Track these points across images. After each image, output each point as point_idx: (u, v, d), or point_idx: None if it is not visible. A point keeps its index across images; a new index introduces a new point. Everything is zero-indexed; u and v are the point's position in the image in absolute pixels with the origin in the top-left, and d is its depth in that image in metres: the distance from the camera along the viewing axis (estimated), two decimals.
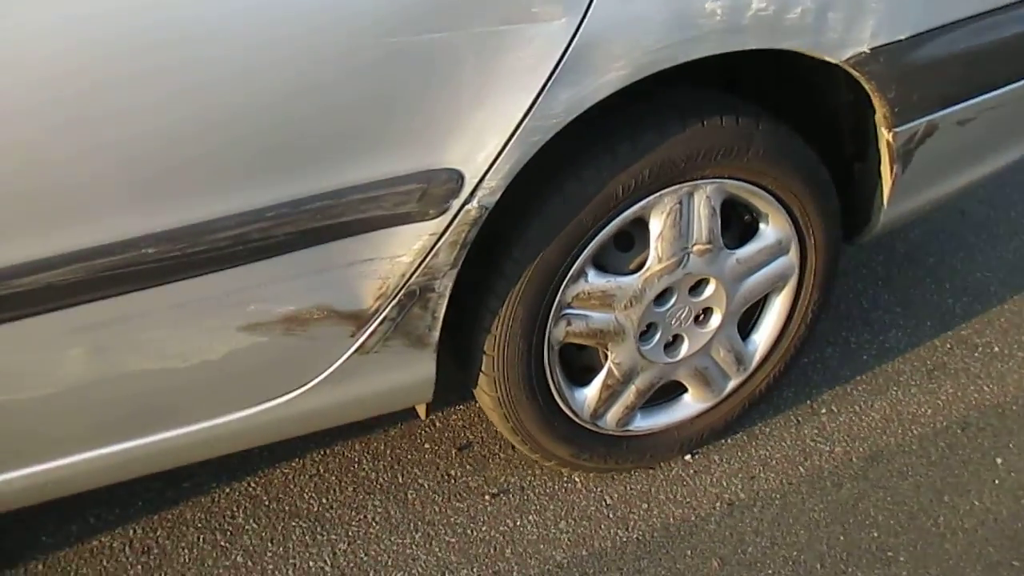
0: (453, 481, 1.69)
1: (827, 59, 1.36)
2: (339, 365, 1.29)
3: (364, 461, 1.73)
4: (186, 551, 1.56)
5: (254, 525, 1.61)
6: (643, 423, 1.64)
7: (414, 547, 1.57)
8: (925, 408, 1.85)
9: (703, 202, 1.43)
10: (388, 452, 1.75)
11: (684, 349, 1.58)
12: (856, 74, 1.40)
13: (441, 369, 1.41)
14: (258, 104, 1.05)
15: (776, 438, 1.78)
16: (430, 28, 1.09)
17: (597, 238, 1.37)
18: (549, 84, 1.18)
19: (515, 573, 1.54)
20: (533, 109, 1.18)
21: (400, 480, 1.69)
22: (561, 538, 1.59)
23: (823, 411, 1.85)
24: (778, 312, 1.65)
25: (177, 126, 1.02)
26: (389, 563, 1.55)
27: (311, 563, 1.55)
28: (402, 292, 1.25)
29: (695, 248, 1.46)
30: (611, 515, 1.63)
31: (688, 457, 1.74)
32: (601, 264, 1.44)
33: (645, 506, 1.65)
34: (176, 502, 1.64)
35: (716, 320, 1.57)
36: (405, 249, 1.22)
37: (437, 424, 1.79)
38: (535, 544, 1.58)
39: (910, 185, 1.61)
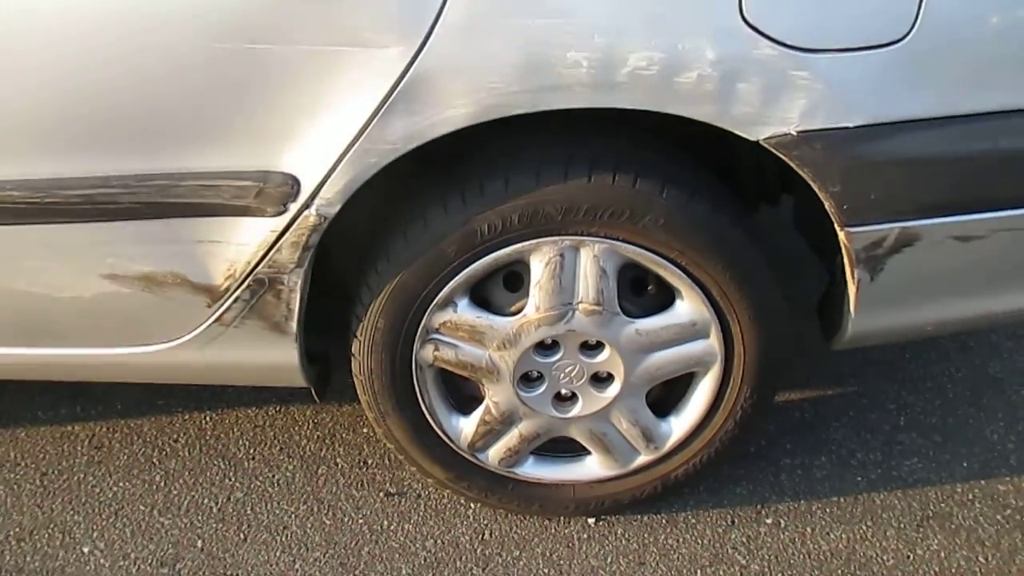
0: (364, 469, 1.75)
1: (740, 135, 1.21)
2: (202, 330, 1.40)
3: (304, 428, 1.84)
4: (125, 456, 1.78)
5: (185, 453, 1.78)
6: (533, 470, 1.57)
7: (293, 517, 1.65)
8: (889, 557, 1.58)
9: (590, 260, 1.34)
10: (328, 425, 1.84)
11: (577, 408, 1.49)
12: (783, 158, 1.22)
13: None
14: (95, 85, 1.18)
15: (696, 532, 1.62)
16: (261, 39, 1.15)
17: (467, 271, 1.35)
18: (383, 110, 1.18)
19: (358, 571, 1.57)
20: (366, 132, 1.20)
21: (322, 454, 1.78)
22: (419, 555, 1.59)
23: (768, 520, 1.64)
24: (702, 399, 1.50)
25: (22, 95, 1.19)
26: (263, 523, 1.64)
27: (206, 500, 1.69)
28: (250, 278, 1.33)
29: (581, 306, 1.37)
30: (478, 551, 1.59)
31: (592, 520, 1.65)
32: (485, 298, 1.42)
33: (516, 553, 1.59)
34: (141, 415, 1.86)
35: (615, 388, 1.46)
36: (248, 239, 1.29)
37: None
38: (392, 552, 1.60)
39: (888, 298, 1.38)
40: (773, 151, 1.22)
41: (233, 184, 1.25)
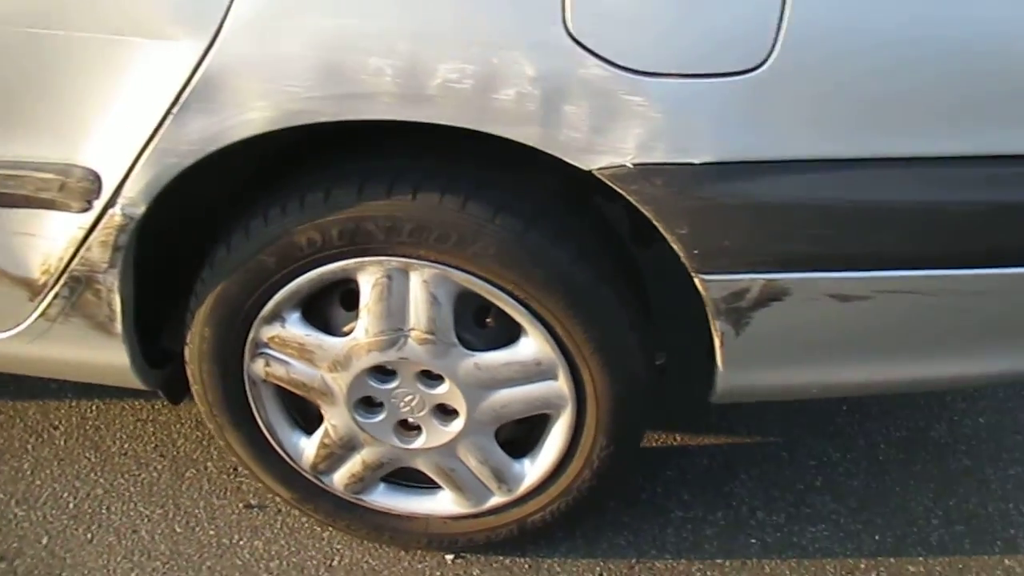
0: (232, 477, 1.67)
1: (570, 163, 1.08)
2: (29, 324, 1.33)
3: (184, 427, 1.77)
4: (2, 440, 1.75)
5: (61, 442, 1.73)
6: (384, 499, 1.47)
7: (146, 521, 1.58)
8: None
9: (420, 286, 1.22)
10: (209, 429, 1.78)
11: (421, 440, 1.38)
12: (622, 193, 1.09)
13: None
14: None
15: None
16: (43, 24, 1.07)
17: (292, 285, 1.24)
18: (175, 109, 1.09)
19: None
20: (161, 130, 1.11)
21: (194, 457, 1.71)
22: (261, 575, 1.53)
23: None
24: (555, 445, 1.36)
25: None
26: (113, 525, 1.58)
27: (65, 494, 1.64)
28: (66, 275, 1.25)
29: (413, 333, 1.26)
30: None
31: (449, 557, 1.54)
32: (324, 314, 1.32)
33: None
34: (31, 398, 1.80)
35: (459, 423, 1.34)
36: (58, 235, 1.22)
37: None
38: (234, 569, 1.52)
39: (759, 355, 1.23)
40: (610, 185, 1.09)
41: (37, 176, 1.17)
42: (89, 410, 1.81)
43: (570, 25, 1.01)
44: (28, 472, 1.69)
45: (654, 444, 1.77)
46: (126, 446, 1.74)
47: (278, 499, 1.55)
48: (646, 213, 1.10)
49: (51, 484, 1.66)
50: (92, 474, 1.68)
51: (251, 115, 1.08)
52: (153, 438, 1.75)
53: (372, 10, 1.03)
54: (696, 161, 1.06)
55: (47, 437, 1.75)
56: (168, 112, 1.09)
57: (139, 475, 1.69)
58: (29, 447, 1.73)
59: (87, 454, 1.72)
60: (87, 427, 1.77)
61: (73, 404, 1.82)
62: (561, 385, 1.29)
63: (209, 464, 1.70)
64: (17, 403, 1.82)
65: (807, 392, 1.33)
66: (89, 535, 1.58)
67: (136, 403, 1.82)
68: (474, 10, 1.02)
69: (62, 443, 1.74)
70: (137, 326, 1.35)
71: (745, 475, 1.70)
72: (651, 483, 1.68)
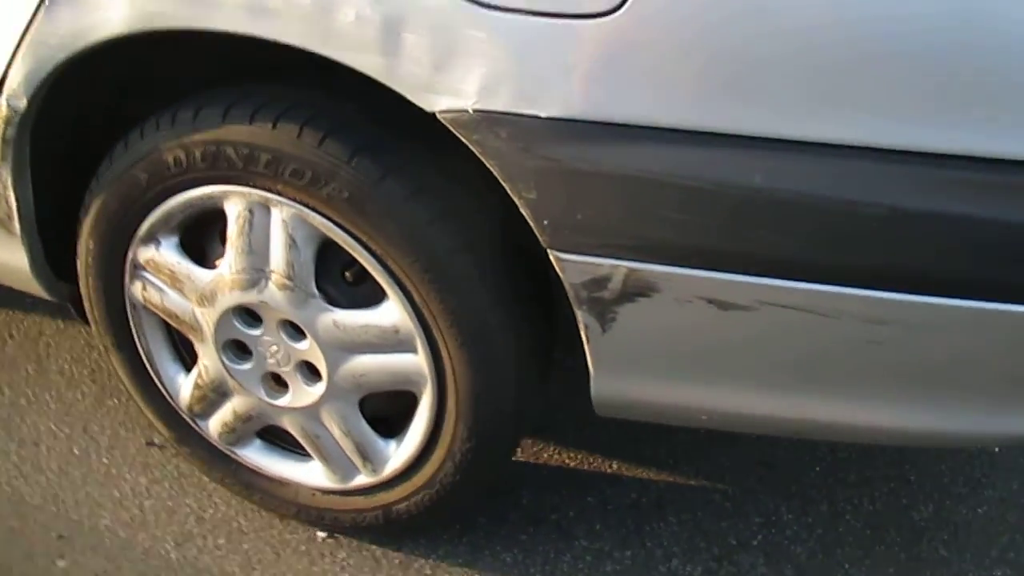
0: None
1: (412, 101, 0.97)
2: None
3: None
4: None
5: (10, 351, 1.74)
6: (257, 456, 1.39)
7: (52, 437, 1.56)
8: None
9: (280, 225, 1.14)
10: None
11: (287, 398, 1.30)
12: (465, 141, 0.97)
13: None
14: None
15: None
16: None
17: (164, 207, 1.20)
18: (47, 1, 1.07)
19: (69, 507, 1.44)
20: (34, 22, 1.09)
21: (122, 388, 1.68)
22: (131, 511, 1.45)
23: None
24: (420, 428, 1.25)
25: None
26: (22, 434, 1.57)
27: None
28: None
29: (273, 276, 1.18)
30: (187, 526, 1.42)
31: (322, 535, 1.43)
32: (202, 248, 1.26)
33: (220, 542, 1.41)
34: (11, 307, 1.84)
35: (321, 386, 1.25)
36: None
37: None
38: (109, 499, 1.47)
39: (630, 361, 1.08)
40: (453, 130, 0.98)
41: None
42: (48, 327, 1.85)
43: None
44: None
45: (584, 466, 1.61)
46: (66, 366, 1.75)
47: (162, 437, 1.50)
48: (491, 169, 0.98)
49: None
50: (23, 385, 1.70)
51: (110, 14, 1.05)
52: (94, 364, 1.75)
53: None
54: (543, 114, 0.93)
55: (1, 342, 1.81)
56: (40, 3, 1.09)
57: (64, 394, 1.69)
58: None
59: (28, 365, 1.74)
60: (40, 342, 1.81)
61: (36, 319, 1.87)
62: (420, 360, 1.18)
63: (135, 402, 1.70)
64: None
65: (695, 417, 1.15)
66: None
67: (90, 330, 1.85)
68: None
69: (10, 351, 1.79)
70: (48, 234, 1.36)
71: (674, 518, 1.52)
72: (566, 505, 1.53)
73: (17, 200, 1.29)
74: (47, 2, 1.08)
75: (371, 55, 0.97)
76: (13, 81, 1.16)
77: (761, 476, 1.60)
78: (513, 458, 1.55)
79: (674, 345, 1.06)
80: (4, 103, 1.19)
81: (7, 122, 1.21)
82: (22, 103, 1.18)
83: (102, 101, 1.29)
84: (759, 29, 0.87)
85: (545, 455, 1.63)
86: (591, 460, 1.62)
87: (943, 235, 0.92)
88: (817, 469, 1.63)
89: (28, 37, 1.11)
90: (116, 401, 1.68)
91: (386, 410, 1.31)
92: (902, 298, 0.96)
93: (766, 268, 0.97)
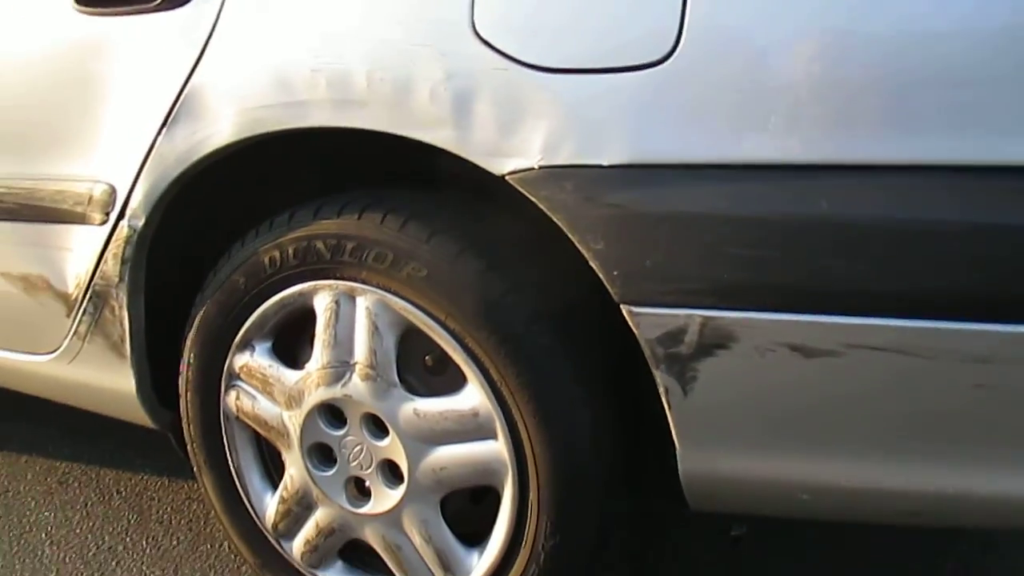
0: (237, 559, 1.61)
1: (482, 167, 1.02)
2: (67, 343, 1.46)
3: None
4: (74, 493, 1.85)
5: (115, 503, 1.79)
6: None
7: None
8: None
9: (364, 313, 1.18)
10: None
11: (370, 504, 1.26)
12: (534, 200, 1.00)
13: None
14: None
15: None
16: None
17: (260, 310, 1.26)
18: (170, 119, 1.21)
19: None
20: (159, 140, 1.23)
21: (217, 535, 1.69)
22: None
23: None
24: (503, 528, 1.19)
25: None
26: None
27: (92, 544, 1.67)
28: (91, 290, 1.37)
29: (357, 367, 1.19)
30: None
31: None
32: (293, 352, 1.30)
33: None
34: (115, 465, 1.91)
35: (402, 488, 1.22)
36: (85, 248, 1.35)
37: None
38: None
39: (716, 427, 1.02)
40: (521, 191, 1.02)
41: (73, 191, 1.35)
42: (152, 483, 1.89)
43: (477, 23, 1.01)
44: (76, 522, 1.77)
45: None
46: (165, 516, 1.77)
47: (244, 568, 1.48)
48: (559, 224, 1.01)
49: (87, 533, 1.72)
50: (123, 533, 1.72)
51: (221, 126, 1.18)
52: (192, 515, 1.77)
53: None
54: (604, 163, 0.97)
55: (107, 497, 1.84)
56: (166, 121, 1.22)
57: (161, 542, 1.69)
58: (89, 503, 1.83)
59: (130, 516, 1.78)
60: (144, 496, 1.84)
61: (142, 476, 1.91)
62: (501, 447, 1.15)
63: (226, 544, 1.68)
64: (92, 466, 1.95)
65: (797, 499, 1.05)
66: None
67: (192, 484, 1.88)
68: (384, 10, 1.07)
69: (115, 505, 1.83)
70: (157, 359, 1.44)
71: None
72: None
73: (130, 321, 1.39)
74: (170, 121, 1.23)
75: (443, 130, 1.04)
76: (135, 202, 1.29)
77: None
78: None
79: (762, 404, 1.00)
80: (126, 224, 1.32)
81: (127, 242, 1.33)
82: (141, 223, 1.30)
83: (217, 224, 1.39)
84: (798, 57, 0.91)
85: None
86: None
87: None
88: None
89: (152, 156, 1.26)
90: (209, 546, 1.67)
91: (467, 520, 1.26)
92: (1003, 329, 0.90)
93: (845, 305, 0.93)
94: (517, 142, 1.01)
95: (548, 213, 1.01)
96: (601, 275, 1.01)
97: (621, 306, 1.01)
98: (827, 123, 0.91)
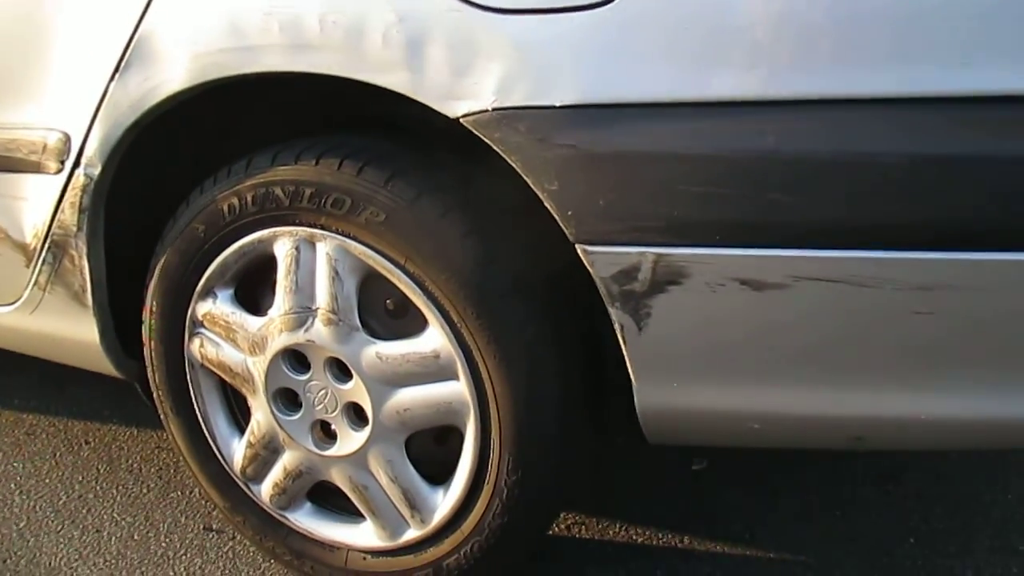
0: (208, 503, 1.64)
1: (439, 111, 1.03)
2: (28, 294, 1.46)
3: None
4: (41, 444, 1.86)
5: (84, 454, 1.80)
6: (308, 520, 1.37)
7: (114, 525, 1.58)
8: None
9: (324, 259, 1.19)
10: None
11: (336, 446, 1.28)
12: (488, 142, 1.01)
13: None
14: None
15: None
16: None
17: (220, 258, 1.27)
18: (122, 65, 1.19)
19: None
20: (112, 86, 1.21)
21: (187, 482, 1.71)
22: None
23: None
24: (466, 465, 1.22)
25: None
26: (87, 522, 1.59)
27: (63, 493, 1.67)
28: (49, 240, 1.36)
29: (319, 312, 1.21)
30: None
31: None
32: (256, 300, 1.31)
33: None
34: (85, 416, 1.92)
35: (367, 430, 1.24)
36: (42, 198, 1.34)
37: None
38: None
39: (670, 362, 1.05)
40: (476, 133, 1.03)
41: (28, 139, 1.33)
42: (121, 434, 1.90)
43: None
44: (45, 472, 1.78)
45: (655, 541, 1.51)
46: (135, 465, 1.78)
47: (217, 510, 1.51)
48: (514, 165, 1.02)
49: (56, 483, 1.73)
50: (93, 482, 1.74)
51: (176, 72, 1.16)
52: (162, 463, 1.78)
53: None
54: (556, 104, 0.98)
55: (75, 447, 1.85)
56: (117, 68, 1.20)
57: (131, 489, 1.71)
58: (58, 454, 1.84)
59: (99, 466, 1.79)
60: (113, 446, 1.85)
61: (111, 427, 1.92)
62: (463, 387, 1.17)
63: (197, 490, 1.70)
64: (60, 417, 1.95)
65: (749, 429, 1.09)
66: (60, 527, 1.61)
67: (161, 433, 1.90)
68: None
69: (84, 455, 1.84)
70: (118, 307, 1.44)
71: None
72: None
73: (91, 271, 1.39)
74: (121, 68, 1.22)
75: (397, 73, 1.04)
76: (90, 150, 1.28)
77: (848, 550, 1.47)
78: (579, 534, 1.48)
79: (714, 338, 1.03)
80: (82, 172, 1.31)
81: (83, 191, 1.32)
82: (96, 171, 1.29)
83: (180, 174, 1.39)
84: None
85: (611, 531, 1.55)
86: (661, 535, 1.52)
87: (984, 181, 0.90)
88: (911, 540, 1.50)
89: (104, 104, 1.25)
90: (179, 493, 1.69)
91: (432, 461, 1.28)
92: (945, 257, 0.92)
93: (791, 239, 0.95)
94: (470, 84, 1.01)
95: (502, 155, 1.02)
96: (556, 215, 1.02)
97: (576, 245, 1.03)
98: (773, 59, 0.92)
